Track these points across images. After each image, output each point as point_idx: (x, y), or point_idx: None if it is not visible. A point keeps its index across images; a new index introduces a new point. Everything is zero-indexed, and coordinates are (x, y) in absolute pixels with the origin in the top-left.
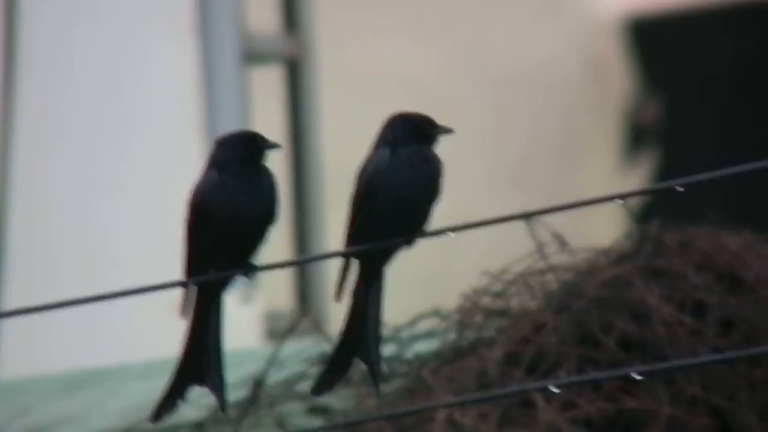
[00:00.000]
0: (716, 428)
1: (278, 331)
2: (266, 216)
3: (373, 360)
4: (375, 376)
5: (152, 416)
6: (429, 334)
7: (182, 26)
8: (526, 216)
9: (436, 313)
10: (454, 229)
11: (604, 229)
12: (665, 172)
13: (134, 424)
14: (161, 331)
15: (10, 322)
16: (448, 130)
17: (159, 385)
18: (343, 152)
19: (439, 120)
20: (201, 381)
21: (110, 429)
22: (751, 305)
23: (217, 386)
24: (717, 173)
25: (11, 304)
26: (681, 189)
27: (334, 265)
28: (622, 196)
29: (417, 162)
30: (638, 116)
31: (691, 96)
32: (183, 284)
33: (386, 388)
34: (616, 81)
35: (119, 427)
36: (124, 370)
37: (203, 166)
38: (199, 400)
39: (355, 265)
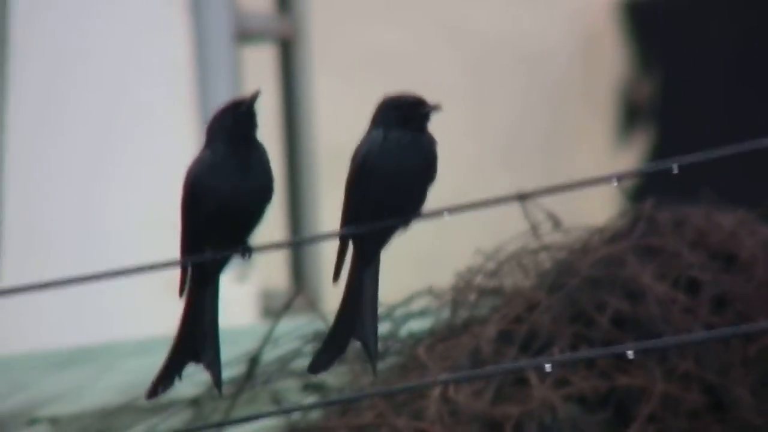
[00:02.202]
0: (709, 404)
1: (273, 309)
2: (260, 196)
3: (369, 340)
4: (372, 356)
5: (148, 393)
6: (423, 313)
7: (176, 5)
8: (522, 197)
9: (430, 291)
10: (451, 210)
11: (597, 208)
12: (660, 151)
13: (129, 400)
14: (156, 309)
15: (6, 300)
16: (436, 107)
17: (153, 362)
18: (336, 131)
19: (431, 98)
20: (197, 358)
21: (105, 405)
22: (744, 283)
23: (213, 365)
24: (711, 153)
25: (7, 282)
26: (675, 171)
27: (329, 244)
28: (618, 177)
29: (409, 143)
30: (632, 95)
31: (686, 74)
32: (179, 264)
33: (381, 365)
34: (609, 57)
35: (114, 403)
36: (118, 347)
37: (200, 145)
38: (195, 377)
39: (351, 248)
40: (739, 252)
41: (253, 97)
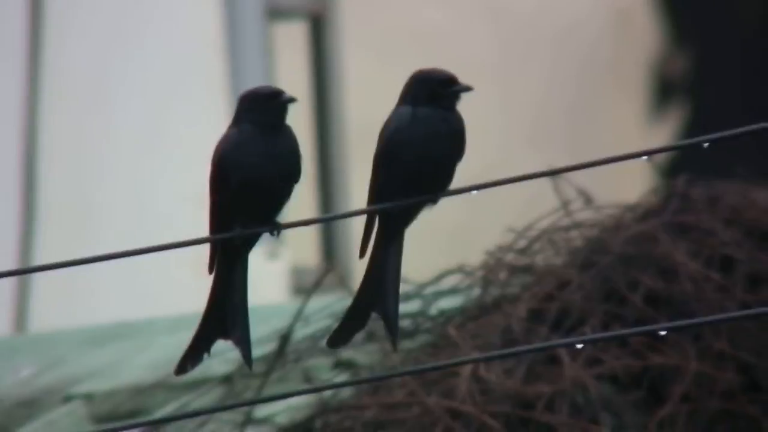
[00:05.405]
0: (744, 384)
1: (304, 286)
2: (287, 175)
3: (390, 315)
4: (392, 332)
5: (177, 369)
6: (454, 291)
7: None
8: (554, 173)
9: (460, 269)
10: (479, 187)
11: (629, 185)
12: (693, 126)
13: (163, 377)
14: (189, 286)
15: (42, 276)
16: (467, 88)
17: (187, 339)
18: (367, 108)
19: (462, 74)
20: (225, 334)
21: (139, 382)
22: None
23: (243, 341)
24: (745, 129)
25: (42, 259)
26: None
27: (359, 222)
28: (650, 153)
29: (437, 120)
30: (665, 69)
31: (720, 48)
32: (209, 241)
33: (411, 343)
34: (640, 31)
35: (148, 380)
36: (153, 324)
37: (229, 123)
38: (226, 354)
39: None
40: None
41: (291, 99)
